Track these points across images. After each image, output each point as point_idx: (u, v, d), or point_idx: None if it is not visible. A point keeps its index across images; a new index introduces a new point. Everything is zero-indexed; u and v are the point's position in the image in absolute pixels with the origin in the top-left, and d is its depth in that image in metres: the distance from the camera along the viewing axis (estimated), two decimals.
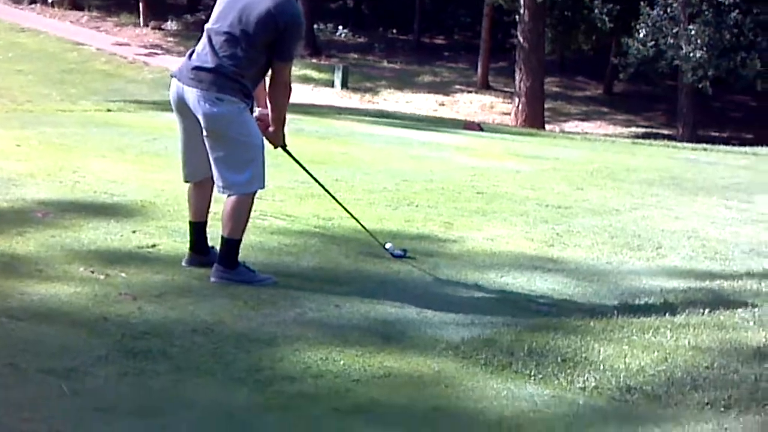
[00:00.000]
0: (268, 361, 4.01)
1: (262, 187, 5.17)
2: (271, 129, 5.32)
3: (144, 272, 5.07)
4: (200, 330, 4.27)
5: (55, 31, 33.08)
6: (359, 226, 6.47)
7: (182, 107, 5.03)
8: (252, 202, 5.14)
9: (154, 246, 5.61)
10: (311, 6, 36.03)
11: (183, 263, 5.27)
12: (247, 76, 4.95)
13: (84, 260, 5.16)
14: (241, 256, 5.16)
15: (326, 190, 6.10)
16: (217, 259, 5.10)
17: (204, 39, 5.00)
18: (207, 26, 5.04)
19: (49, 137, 9.84)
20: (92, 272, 4.97)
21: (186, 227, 5.45)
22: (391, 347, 4.30)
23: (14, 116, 12.12)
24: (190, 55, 5.04)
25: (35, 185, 7.06)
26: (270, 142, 5.33)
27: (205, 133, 4.97)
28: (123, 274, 5.00)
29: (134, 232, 5.86)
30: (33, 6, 38.48)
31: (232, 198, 5.05)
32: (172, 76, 5.13)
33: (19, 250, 5.24)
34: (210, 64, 4.90)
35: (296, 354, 4.10)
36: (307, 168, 5.90)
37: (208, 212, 5.34)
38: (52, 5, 38.30)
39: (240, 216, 5.05)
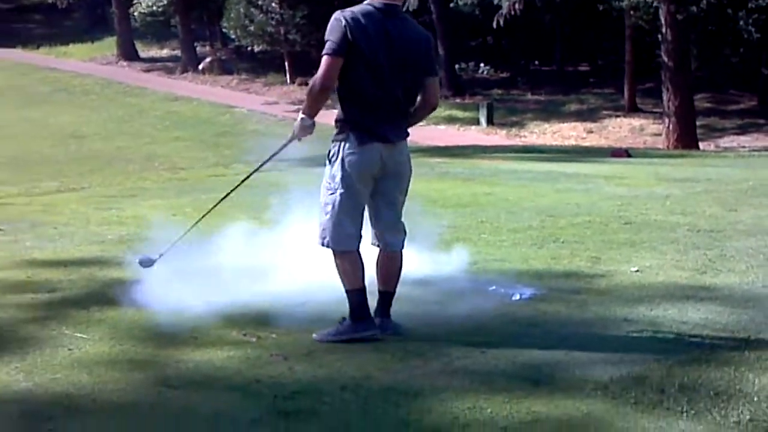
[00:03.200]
0: (416, 413, 4.06)
1: None
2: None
3: (294, 332, 5.20)
4: (349, 386, 4.36)
5: (207, 97, 34.33)
6: (505, 269, 6.49)
7: (381, 169, 5.04)
8: None
9: (303, 304, 5.75)
10: (451, 46, 36.32)
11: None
12: None
13: (237, 324, 5.34)
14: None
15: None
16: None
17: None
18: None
19: (203, 203, 10.20)
20: (245, 335, 5.14)
21: (333, 284, 5.54)
22: (538, 391, 4.28)
23: (170, 185, 12.65)
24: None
25: (190, 252, 7.32)
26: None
27: (402, 186, 5.14)
28: (274, 335, 5.15)
29: (282, 291, 6.02)
30: (185, 75, 40.05)
31: (401, 251, 5.21)
32: (366, 142, 4.98)
33: (175, 318, 5.45)
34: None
35: (443, 404, 4.13)
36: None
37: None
38: (203, 72, 39.76)
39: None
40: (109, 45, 45.05)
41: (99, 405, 4.13)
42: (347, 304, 5.13)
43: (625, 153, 18.61)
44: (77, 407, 4.12)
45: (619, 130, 31.70)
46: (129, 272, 6.64)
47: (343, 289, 5.15)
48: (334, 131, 5.05)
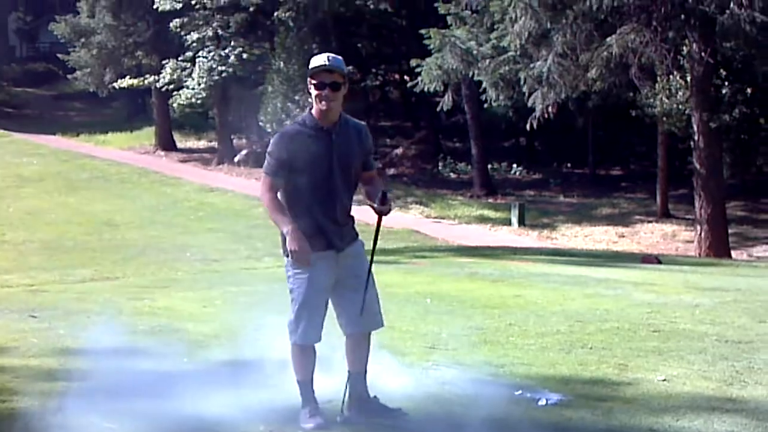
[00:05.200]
0: None
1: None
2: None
3: (321, 429, 5.23)
4: None
5: (241, 189, 34.70)
6: (531, 373, 6.54)
7: None
8: None
9: (330, 401, 5.79)
10: (484, 146, 36.71)
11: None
12: None
13: (264, 419, 5.38)
14: (410, 407, 5.33)
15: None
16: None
17: None
18: None
19: (234, 296, 10.33)
20: (271, 431, 5.19)
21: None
22: None
23: (202, 277, 12.80)
24: None
25: (219, 346, 7.43)
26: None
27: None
28: None
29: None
30: (221, 166, 40.57)
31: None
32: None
33: (203, 412, 5.52)
34: None
35: None
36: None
37: None
38: (239, 164, 40.29)
39: None
40: (147, 134, 45.84)
41: None
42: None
43: (655, 260, 18.59)
44: None
45: (650, 235, 31.68)
46: (158, 364, 6.74)
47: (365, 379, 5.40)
48: None
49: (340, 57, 5.30)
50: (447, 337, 8.10)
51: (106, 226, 25.65)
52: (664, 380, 6.63)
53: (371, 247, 5.49)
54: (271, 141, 5.33)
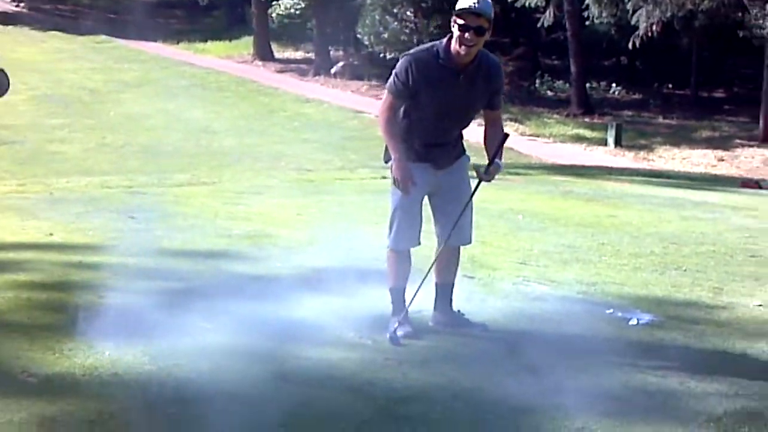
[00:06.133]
0: (525, 429, 4.10)
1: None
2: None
3: (408, 338, 5.28)
4: (460, 396, 4.42)
5: (337, 101, 34.71)
6: (623, 293, 6.49)
7: None
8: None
9: (419, 311, 5.83)
10: (583, 65, 36.01)
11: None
12: None
13: (354, 326, 5.45)
14: (500, 321, 5.34)
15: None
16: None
17: None
18: None
19: (328, 206, 10.41)
20: (360, 338, 5.26)
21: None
22: (650, 418, 4.28)
23: (296, 186, 12.90)
24: None
25: (313, 253, 7.51)
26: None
27: None
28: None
29: None
30: (317, 78, 40.57)
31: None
32: None
33: (295, 315, 5.61)
34: None
35: (553, 422, 4.16)
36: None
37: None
38: (335, 76, 40.26)
39: None
40: (245, 44, 45.93)
41: (218, 394, 4.29)
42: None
43: (756, 184, 18.14)
44: (197, 394, 4.29)
45: (751, 160, 30.88)
46: (252, 268, 6.87)
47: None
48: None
49: (489, 1, 5.12)
50: (538, 254, 8.06)
51: (204, 133, 25.93)
52: (760, 305, 6.51)
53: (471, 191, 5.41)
54: (400, 62, 5.22)
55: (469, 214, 5.46)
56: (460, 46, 5.04)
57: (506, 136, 5.33)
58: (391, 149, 5.22)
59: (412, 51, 5.31)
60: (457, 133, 5.43)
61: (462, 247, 5.61)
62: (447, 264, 5.54)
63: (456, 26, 5.06)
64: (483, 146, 5.37)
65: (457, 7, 5.07)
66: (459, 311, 5.58)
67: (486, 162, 5.27)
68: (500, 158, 5.27)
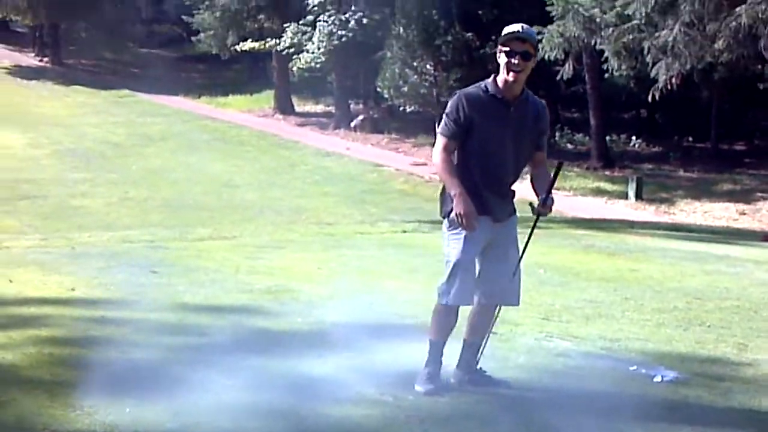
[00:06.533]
0: None
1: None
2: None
3: (434, 394, 5.24)
4: None
5: (356, 154, 34.91)
6: (647, 349, 6.43)
7: None
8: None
9: (443, 367, 5.79)
10: (603, 117, 36.06)
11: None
12: None
13: (375, 382, 5.42)
14: (523, 377, 5.28)
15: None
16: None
17: None
18: None
19: (349, 260, 10.41)
20: (382, 394, 5.22)
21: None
22: None
23: (317, 240, 12.93)
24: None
25: (333, 308, 7.50)
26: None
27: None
28: (411, 396, 5.21)
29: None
30: (338, 131, 40.84)
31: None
32: None
33: (316, 372, 5.59)
34: None
35: None
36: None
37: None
38: (355, 129, 40.50)
39: None
40: (266, 98, 46.33)
41: None
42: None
43: None
44: None
45: None
46: (273, 323, 6.86)
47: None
48: None
49: (533, 29, 5.19)
50: (561, 309, 8.02)
51: (225, 187, 26.09)
52: None
53: (525, 240, 5.40)
54: (450, 102, 5.24)
55: (519, 275, 5.41)
56: (507, 73, 5.09)
57: (561, 164, 5.32)
58: (451, 187, 5.14)
59: (460, 90, 5.31)
60: (512, 180, 5.37)
61: None
62: (481, 323, 5.47)
63: (502, 54, 5.11)
64: (532, 190, 5.38)
65: (502, 34, 5.12)
66: (481, 369, 5.54)
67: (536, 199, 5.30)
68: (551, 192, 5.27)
